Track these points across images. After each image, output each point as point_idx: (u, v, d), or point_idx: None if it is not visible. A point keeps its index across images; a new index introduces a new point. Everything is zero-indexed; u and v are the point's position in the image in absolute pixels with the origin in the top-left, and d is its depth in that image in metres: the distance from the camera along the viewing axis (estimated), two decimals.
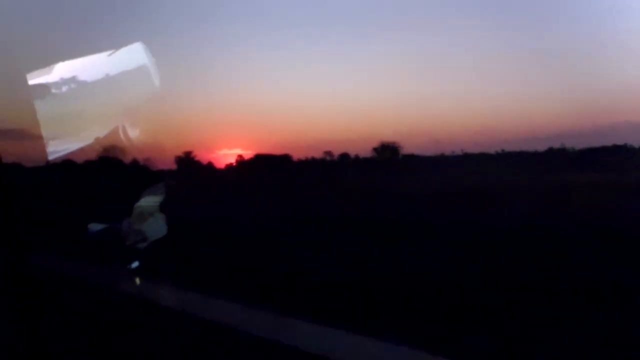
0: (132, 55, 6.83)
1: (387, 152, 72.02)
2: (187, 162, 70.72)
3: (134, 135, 6.87)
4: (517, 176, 46.37)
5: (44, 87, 6.28)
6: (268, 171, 60.43)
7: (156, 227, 5.78)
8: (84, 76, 6.72)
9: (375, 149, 72.70)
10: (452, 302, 8.27)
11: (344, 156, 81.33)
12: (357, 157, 78.57)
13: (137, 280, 6.66)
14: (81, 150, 7.25)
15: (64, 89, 6.50)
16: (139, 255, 6.10)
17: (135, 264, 6.15)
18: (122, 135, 6.89)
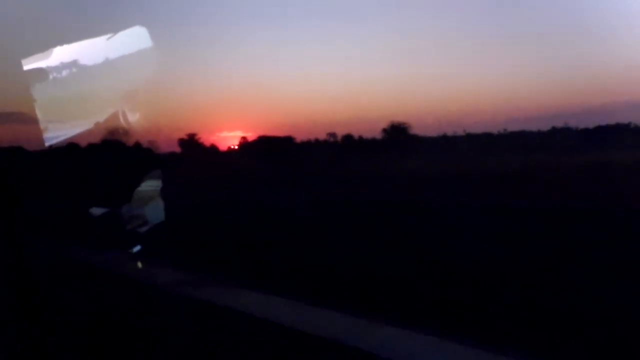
0: (132, 40, 6.79)
1: (392, 133, 71.87)
2: (188, 146, 70.57)
3: (135, 120, 6.87)
4: (520, 155, 46.16)
5: (47, 72, 6.26)
6: (269, 153, 60.32)
7: (157, 211, 5.80)
8: (85, 60, 6.69)
9: (383, 130, 72.42)
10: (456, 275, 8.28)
11: (348, 137, 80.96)
12: (361, 138, 78.20)
13: (139, 264, 6.72)
14: (83, 134, 7.25)
15: (65, 73, 6.48)
16: (141, 239, 6.14)
17: (136, 248, 6.20)
18: (123, 121, 6.89)
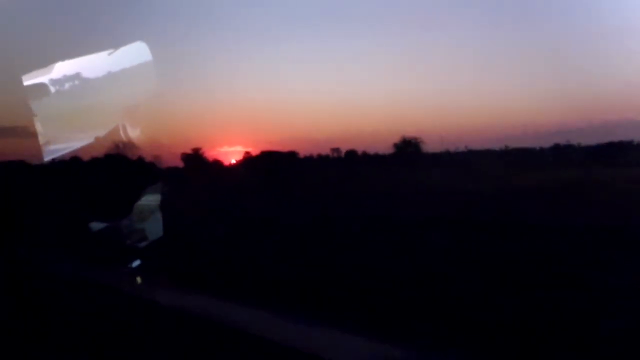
0: (133, 55, 6.82)
1: (403, 148, 71.67)
2: (190, 160, 70.60)
3: (136, 134, 6.87)
4: (522, 172, 46.05)
5: (49, 86, 6.28)
6: (273, 168, 60.21)
7: (157, 226, 5.77)
8: (87, 75, 6.72)
9: (395, 145, 72.31)
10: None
11: (351, 153, 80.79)
12: (364, 154, 78.04)
13: (138, 280, 6.67)
14: (84, 148, 7.26)
15: (67, 87, 6.50)
16: (141, 253, 6.10)
17: (136, 263, 6.16)
18: (123, 135, 6.89)
